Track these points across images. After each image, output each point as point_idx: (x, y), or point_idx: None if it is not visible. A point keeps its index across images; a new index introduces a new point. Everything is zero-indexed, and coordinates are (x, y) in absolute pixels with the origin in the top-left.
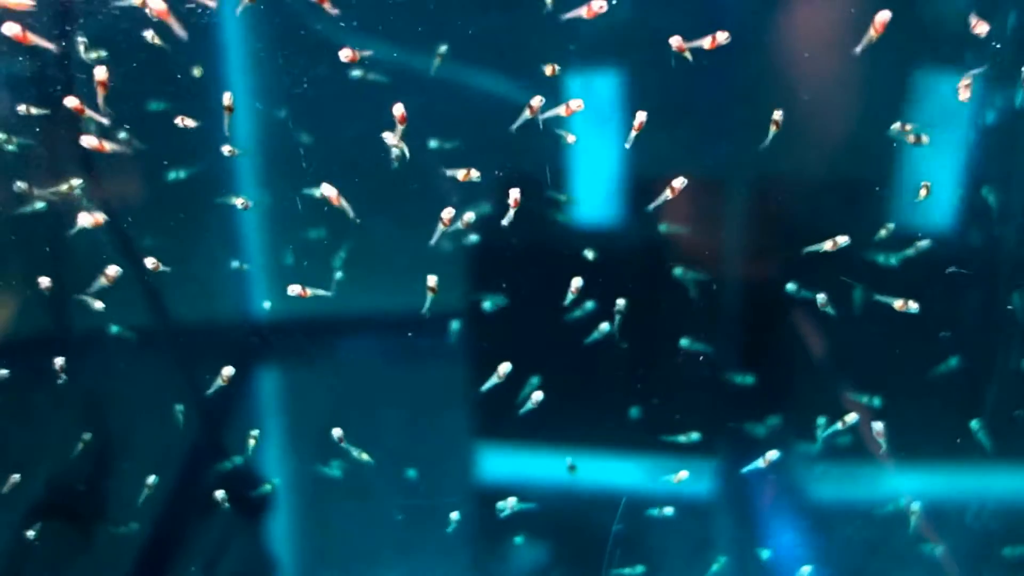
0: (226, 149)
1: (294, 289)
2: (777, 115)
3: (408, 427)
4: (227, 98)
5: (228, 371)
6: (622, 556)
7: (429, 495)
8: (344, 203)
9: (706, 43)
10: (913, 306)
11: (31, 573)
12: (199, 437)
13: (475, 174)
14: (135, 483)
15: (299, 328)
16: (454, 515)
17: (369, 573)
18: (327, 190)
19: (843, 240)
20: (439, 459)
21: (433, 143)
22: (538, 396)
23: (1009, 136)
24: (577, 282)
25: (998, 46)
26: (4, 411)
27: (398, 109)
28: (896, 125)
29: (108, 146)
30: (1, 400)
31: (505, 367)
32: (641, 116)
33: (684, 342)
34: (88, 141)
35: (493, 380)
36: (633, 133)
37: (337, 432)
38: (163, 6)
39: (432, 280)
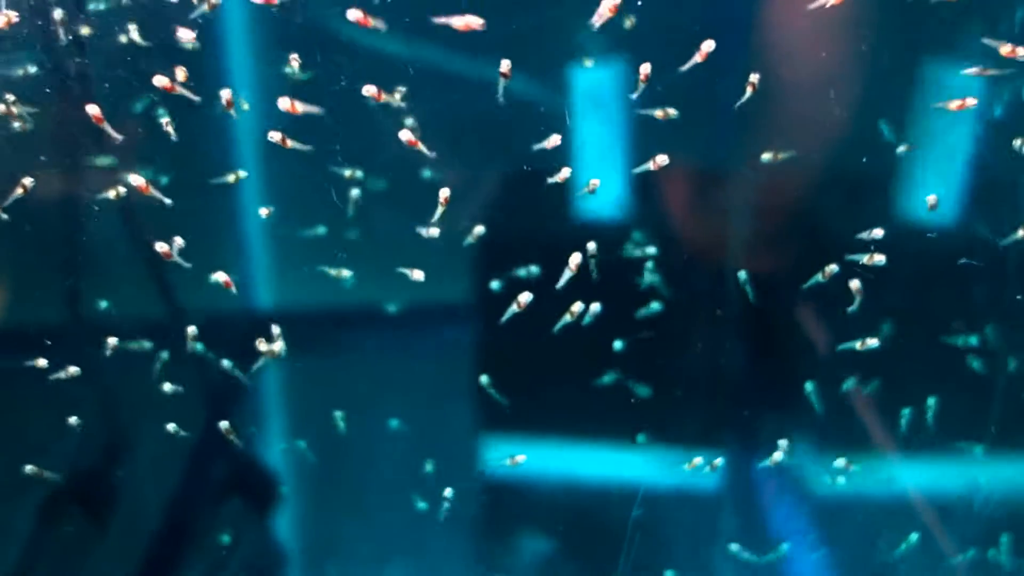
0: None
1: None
2: (753, 78)
3: (415, 420)
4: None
5: (278, 346)
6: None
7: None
8: (293, 143)
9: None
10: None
11: (46, 561)
12: (208, 427)
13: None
14: (146, 472)
15: (307, 320)
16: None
17: (376, 565)
18: (274, 135)
19: (879, 259)
20: (446, 452)
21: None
22: (577, 307)
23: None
24: (576, 259)
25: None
26: (20, 401)
27: (405, 135)
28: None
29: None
30: (17, 390)
31: (526, 296)
32: (646, 68)
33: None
34: (135, 179)
35: (513, 309)
36: (641, 84)
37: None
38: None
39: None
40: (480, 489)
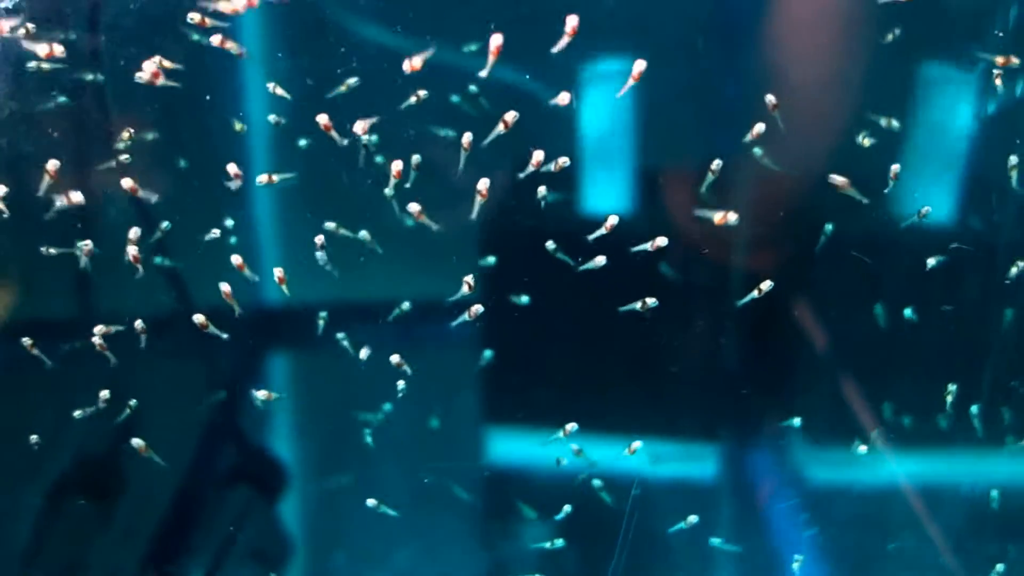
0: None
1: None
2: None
3: (421, 411)
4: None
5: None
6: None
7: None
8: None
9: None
10: None
11: (53, 547)
12: (216, 416)
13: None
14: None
15: (313, 312)
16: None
17: (382, 554)
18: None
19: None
20: (452, 442)
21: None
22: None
23: (1011, 125)
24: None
25: (1000, 34)
26: (31, 389)
27: (396, 166)
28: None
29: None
30: (28, 378)
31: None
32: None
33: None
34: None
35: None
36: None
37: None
38: None
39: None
40: (485, 477)
